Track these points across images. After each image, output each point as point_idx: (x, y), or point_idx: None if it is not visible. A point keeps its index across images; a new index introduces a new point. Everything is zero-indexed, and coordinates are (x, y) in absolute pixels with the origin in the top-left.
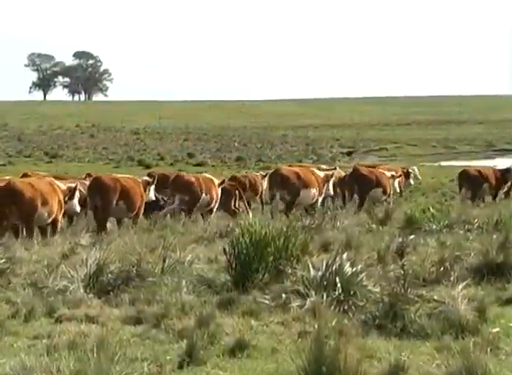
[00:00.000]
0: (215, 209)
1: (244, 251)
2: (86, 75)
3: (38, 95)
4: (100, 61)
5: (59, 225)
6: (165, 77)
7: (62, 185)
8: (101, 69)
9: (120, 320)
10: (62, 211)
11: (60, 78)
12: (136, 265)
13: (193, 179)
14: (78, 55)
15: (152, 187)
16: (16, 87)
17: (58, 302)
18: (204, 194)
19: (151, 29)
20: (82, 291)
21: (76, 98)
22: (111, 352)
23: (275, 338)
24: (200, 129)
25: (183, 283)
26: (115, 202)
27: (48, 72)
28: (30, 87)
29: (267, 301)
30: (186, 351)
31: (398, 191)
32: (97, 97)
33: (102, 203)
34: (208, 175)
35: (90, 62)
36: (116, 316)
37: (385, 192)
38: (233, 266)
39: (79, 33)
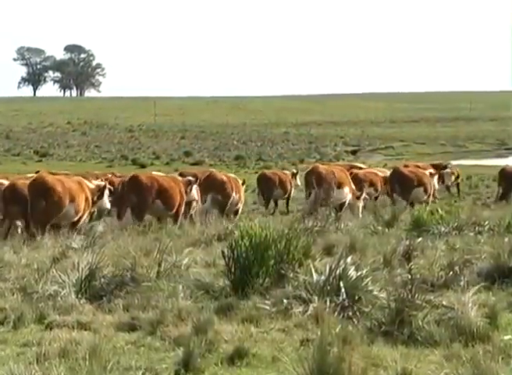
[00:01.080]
0: (240, 210)
1: (244, 255)
2: (78, 70)
3: (28, 91)
4: (92, 55)
5: (81, 223)
6: (160, 72)
7: (91, 183)
8: (94, 63)
9: (113, 327)
10: (89, 209)
11: (50, 73)
12: (131, 269)
13: (225, 178)
14: (69, 48)
15: (195, 186)
16: (5, 83)
17: (49, 308)
18: (234, 193)
19: (146, 21)
20: (73, 296)
21: (68, 93)
22: (104, 360)
23: (275, 346)
24: (198, 126)
25: (180, 288)
26: (151, 201)
27: (38, 66)
28: (19, 83)
29: (267, 307)
30: (182, 360)
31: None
32: (90, 92)
33: (138, 201)
34: (232, 174)
35: (82, 56)
36: (109, 322)
37: (426, 191)
38: (232, 270)
39: (70, 26)
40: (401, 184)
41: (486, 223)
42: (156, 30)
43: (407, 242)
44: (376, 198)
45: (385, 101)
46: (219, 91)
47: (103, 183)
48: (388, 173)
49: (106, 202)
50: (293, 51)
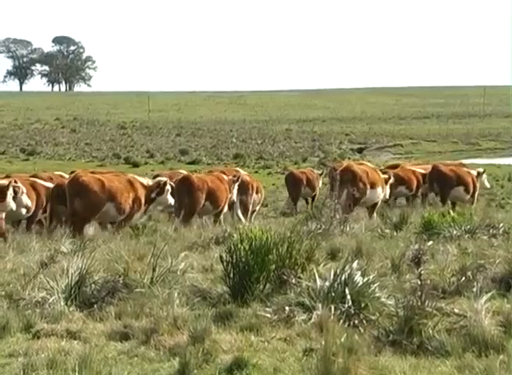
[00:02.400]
0: (257, 209)
1: (243, 259)
2: (67, 63)
3: (14, 85)
4: (82, 47)
5: (134, 221)
6: (154, 65)
7: (146, 180)
8: (84, 56)
9: (105, 336)
10: (142, 208)
11: (38, 66)
12: (123, 274)
13: (248, 178)
14: (58, 40)
15: (236, 186)
16: None
17: (36, 316)
18: (255, 194)
19: (139, 12)
20: (62, 303)
21: (56, 88)
22: (94, 372)
23: (277, 356)
24: (194, 123)
25: (175, 294)
26: (202, 202)
27: (25, 59)
28: (5, 76)
29: (268, 315)
30: (178, 371)
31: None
32: (80, 87)
33: (190, 202)
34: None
35: (72, 48)
36: (101, 331)
37: (467, 191)
38: (231, 275)
39: (59, 17)
40: (440, 183)
41: (501, 225)
42: (150, 20)
43: (417, 246)
44: (414, 196)
45: (393, 96)
46: (217, 86)
47: (164, 179)
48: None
49: (169, 198)
50: (296, 43)
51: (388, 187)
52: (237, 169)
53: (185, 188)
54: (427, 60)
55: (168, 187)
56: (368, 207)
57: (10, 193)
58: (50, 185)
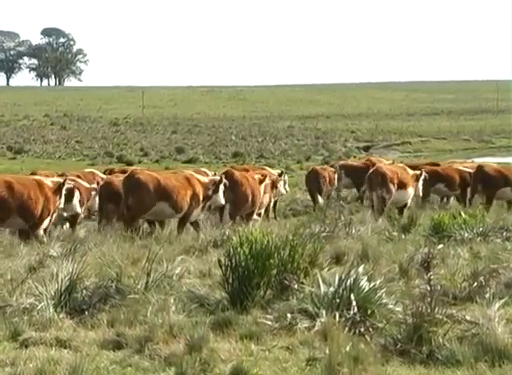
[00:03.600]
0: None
1: (243, 264)
2: (56, 56)
3: (0, 80)
4: (73, 39)
5: (192, 218)
6: (149, 59)
7: (203, 178)
8: (75, 48)
9: (97, 344)
10: (200, 205)
11: (26, 59)
12: (116, 279)
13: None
14: (47, 32)
15: (282, 183)
16: None
17: (24, 324)
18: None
19: (132, 2)
20: (52, 310)
21: (45, 82)
22: None
23: (279, 366)
24: (191, 119)
25: (171, 300)
26: (246, 199)
27: (12, 52)
28: None
29: (269, 322)
30: None
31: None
32: (70, 82)
33: (233, 198)
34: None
35: (62, 40)
36: (92, 339)
37: None
38: (230, 280)
39: (48, 8)
40: (485, 184)
41: None
42: (144, 11)
43: (426, 249)
44: (463, 196)
45: (401, 91)
46: (215, 80)
47: (218, 177)
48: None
49: (221, 198)
50: (299, 36)
51: (420, 183)
52: (265, 167)
53: (230, 185)
54: (437, 53)
55: (222, 185)
56: (398, 207)
57: (77, 195)
58: (87, 185)
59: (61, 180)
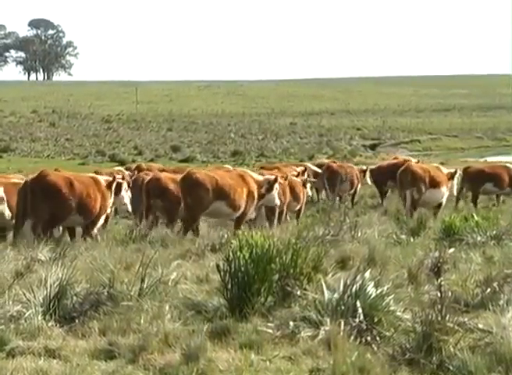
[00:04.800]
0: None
1: (242, 269)
2: (45, 48)
3: None
4: (62, 31)
5: (247, 218)
6: (143, 52)
7: (258, 176)
8: (64, 41)
9: (88, 354)
10: (255, 203)
11: (12, 52)
12: (108, 285)
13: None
14: (35, 23)
15: (308, 185)
16: None
17: (11, 332)
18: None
19: None
20: (40, 317)
21: (33, 77)
22: None
23: None
24: (188, 116)
25: (166, 308)
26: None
27: None
28: None
29: (270, 331)
30: None
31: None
32: (59, 76)
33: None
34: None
35: (50, 32)
36: (83, 348)
37: None
38: (229, 286)
39: None
40: None
41: None
42: (138, 1)
43: (437, 254)
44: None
45: (410, 86)
46: (213, 74)
47: (273, 176)
48: None
49: (274, 198)
50: (302, 27)
51: (455, 182)
52: (306, 164)
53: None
54: (448, 46)
55: (277, 185)
56: (432, 208)
57: (125, 188)
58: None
59: (110, 178)
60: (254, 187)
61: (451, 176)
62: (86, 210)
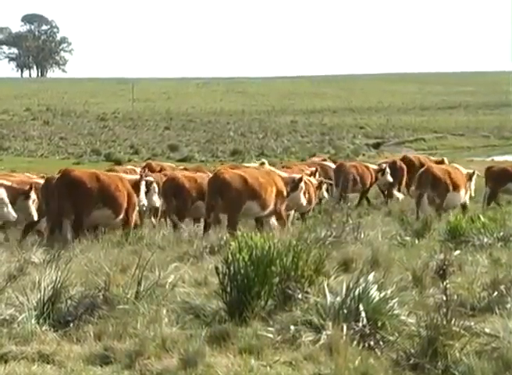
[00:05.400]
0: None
1: (242, 271)
2: (38, 44)
3: None
4: (56, 27)
5: (284, 216)
6: (139, 49)
7: (284, 174)
8: (58, 37)
9: (83, 359)
10: (283, 203)
11: (5, 48)
12: (104, 288)
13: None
14: (28, 18)
15: (324, 186)
16: None
17: (3, 337)
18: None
19: None
20: (33, 321)
21: (26, 74)
22: None
23: None
24: (186, 114)
25: (164, 311)
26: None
27: None
28: None
29: (271, 335)
30: None
31: None
32: (53, 73)
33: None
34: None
35: (44, 27)
36: (77, 353)
37: None
38: (228, 289)
39: None
40: None
41: None
42: None
43: (442, 256)
44: None
45: (414, 83)
46: (212, 71)
47: (298, 175)
48: None
49: (300, 197)
50: (303, 23)
51: (473, 183)
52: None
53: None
54: (453, 42)
55: (302, 184)
56: (450, 210)
57: (143, 188)
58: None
59: (138, 176)
60: (283, 186)
61: (469, 177)
62: (113, 203)
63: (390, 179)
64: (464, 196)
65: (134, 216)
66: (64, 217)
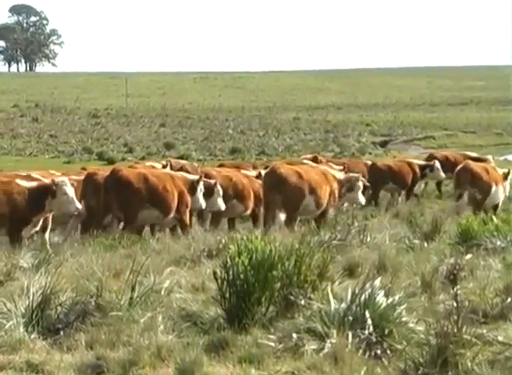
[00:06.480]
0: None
1: (242, 276)
2: (27, 37)
3: None
4: (45, 18)
5: (327, 217)
6: (133, 42)
7: (339, 174)
8: (48, 29)
9: (74, 369)
10: (335, 203)
11: None
12: (96, 294)
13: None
14: (16, 9)
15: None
16: None
17: None
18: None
19: None
20: (22, 329)
21: (14, 68)
22: None
23: None
24: (182, 110)
25: (159, 318)
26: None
27: None
28: None
29: (272, 344)
30: None
31: None
32: (43, 67)
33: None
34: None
35: (33, 19)
36: (68, 363)
37: None
38: (227, 295)
39: None
40: None
41: None
42: None
43: (453, 260)
44: None
45: (423, 77)
46: (210, 66)
47: (356, 175)
48: None
49: (358, 196)
50: (306, 15)
51: (508, 183)
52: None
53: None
54: (464, 35)
55: (360, 183)
56: (488, 210)
57: (200, 189)
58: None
59: (196, 177)
60: (336, 186)
61: (505, 177)
62: (161, 204)
63: (443, 175)
64: (501, 195)
65: (188, 215)
66: (113, 217)
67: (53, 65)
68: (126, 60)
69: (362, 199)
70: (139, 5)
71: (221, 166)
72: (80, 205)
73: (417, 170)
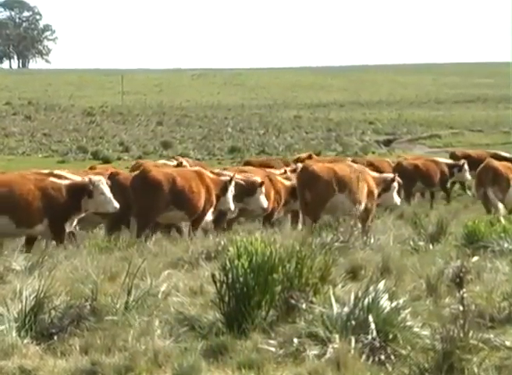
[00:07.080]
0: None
1: (241, 279)
2: (19, 32)
3: None
4: (39, 13)
5: (370, 218)
6: (129, 38)
7: (374, 173)
8: (41, 24)
9: None
10: (374, 201)
11: None
12: (91, 298)
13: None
14: (8, 4)
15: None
16: None
17: None
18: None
19: None
20: (14, 334)
21: (6, 64)
22: None
23: None
24: (180, 108)
25: (156, 323)
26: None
27: None
28: None
29: (272, 349)
30: None
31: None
32: (36, 63)
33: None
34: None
35: (26, 14)
36: (62, 368)
37: None
38: (226, 299)
39: None
40: None
41: None
42: None
43: (459, 262)
44: None
45: (429, 74)
46: (208, 62)
47: (391, 175)
48: None
49: (393, 197)
50: (307, 10)
51: None
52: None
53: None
54: (470, 31)
55: (395, 184)
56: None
57: (231, 190)
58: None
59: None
60: (374, 185)
61: None
62: (187, 205)
63: (468, 177)
64: None
65: (207, 215)
66: (132, 216)
67: (47, 61)
68: (122, 56)
69: (398, 200)
70: (136, 1)
71: (247, 163)
72: (118, 205)
73: (446, 170)
